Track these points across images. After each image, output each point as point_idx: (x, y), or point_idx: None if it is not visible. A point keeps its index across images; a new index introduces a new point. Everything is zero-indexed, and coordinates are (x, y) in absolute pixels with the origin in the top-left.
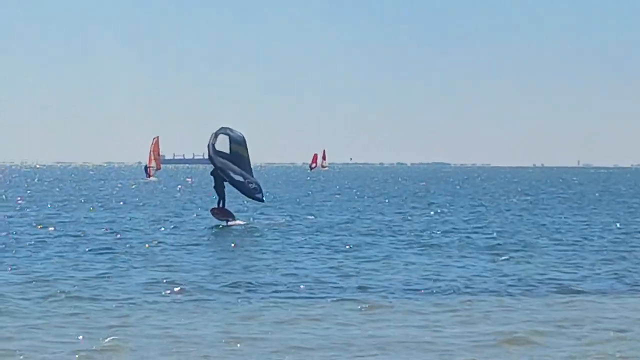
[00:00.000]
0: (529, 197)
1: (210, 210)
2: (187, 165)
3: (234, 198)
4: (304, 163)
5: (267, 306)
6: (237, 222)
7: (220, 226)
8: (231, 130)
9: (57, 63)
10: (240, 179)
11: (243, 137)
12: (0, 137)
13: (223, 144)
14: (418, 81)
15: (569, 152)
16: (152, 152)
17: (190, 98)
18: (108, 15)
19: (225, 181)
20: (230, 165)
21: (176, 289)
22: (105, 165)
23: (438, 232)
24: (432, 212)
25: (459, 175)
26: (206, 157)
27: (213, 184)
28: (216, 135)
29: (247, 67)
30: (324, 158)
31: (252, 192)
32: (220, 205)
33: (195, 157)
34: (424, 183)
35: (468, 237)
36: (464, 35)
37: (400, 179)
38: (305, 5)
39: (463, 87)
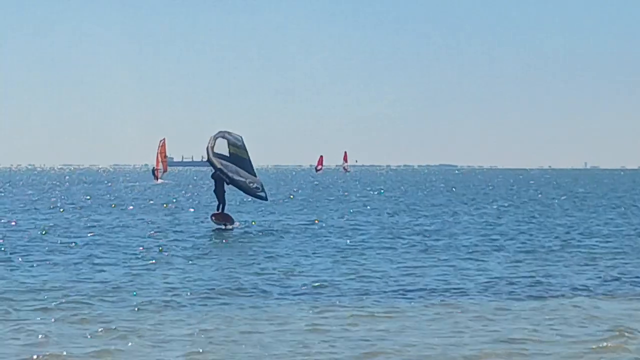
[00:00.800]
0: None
1: (211, 217)
2: (196, 167)
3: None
4: (310, 165)
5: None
6: (235, 224)
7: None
8: (229, 133)
9: (63, 65)
10: (241, 179)
11: (242, 140)
12: (6, 140)
13: (222, 147)
14: (424, 83)
15: (575, 154)
16: (159, 154)
17: (200, 100)
18: (116, 17)
19: (227, 183)
20: (230, 166)
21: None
22: (111, 168)
23: None
24: None
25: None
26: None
27: (213, 188)
28: (214, 138)
29: (254, 69)
30: (345, 160)
31: (254, 190)
32: (220, 209)
33: (204, 160)
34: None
35: None
36: (471, 36)
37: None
38: (312, 6)
39: (469, 89)
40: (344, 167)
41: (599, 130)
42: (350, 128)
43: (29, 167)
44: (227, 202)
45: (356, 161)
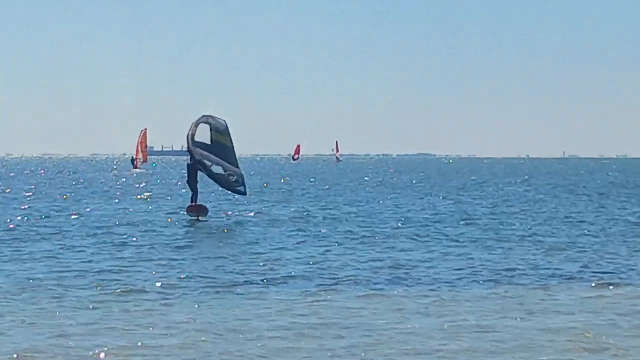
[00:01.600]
0: None
1: (186, 209)
2: (176, 157)
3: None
4: (288, 154)
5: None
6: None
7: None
8: (213, 118)
9: (43, 55)
10: (221, 170)
11: (226, 125)
12: None
13: (203, 134)
14: (402, 73)
15: (554, 143)
16: (139, 144)
17: (179, 89)
18: (98, 5)
19: (203, 172)
20: (210, 156)
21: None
22: (90, 157)
23: None
24: None
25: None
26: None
27: (186, 178)
28: (196, 124)
29: (234, 57)
30: (336, 150)
31: (233, 185)
32: (194, 200)
33: (184, 149)
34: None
35: None
36: (451, 26)
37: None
38: None
39: (447, 78)
40: (336, 157)
41: (578, 119)
42: (329, 117)
43: (7, 155)
44: (198, 191)
45: (332, 150)
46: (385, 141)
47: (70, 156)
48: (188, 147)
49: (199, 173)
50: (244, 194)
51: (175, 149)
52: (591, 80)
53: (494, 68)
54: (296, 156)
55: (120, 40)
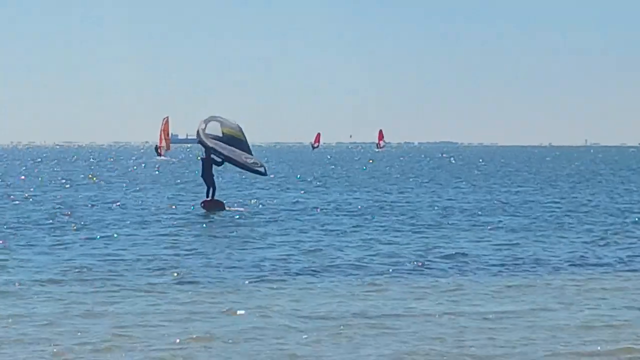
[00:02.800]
0: None
1: (201, 204)
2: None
3: None
4: (310, 142)
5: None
6: (234, 208)
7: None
8: (223, 118)
9: (63, 43)
10: (236, 154)
11: (238, 125)
12: (5, 118)
13: (214, 129)
14: (423, 61)
15: (575, 131)
16: (162, 132)
17: (203, 78)
18: None
19: (219, 163)
20: (223, 144)
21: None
22: (112, 145)
23: None
24: None
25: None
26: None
27: (201, 172)
28: (206, 121)
29: (255, 47)
30: (380, 138)
31: (252, 165)
32: (210, 195)
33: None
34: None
35: None
36: (470, 14)
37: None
38: None
39: (468, 66)
40: (377, 145)
41: (600, 107)
42: (350, 105)
43: (30, 144)
44: (217, 186)
45: (350, 136)
46: (406, 129)
47: (91, 144)
48: (199, 139)
49: (215, 169)
50: (265, 174)
51: None
52: (613, 68)
53: (516, 56)
54: (316, 144)
55: (142, 28)
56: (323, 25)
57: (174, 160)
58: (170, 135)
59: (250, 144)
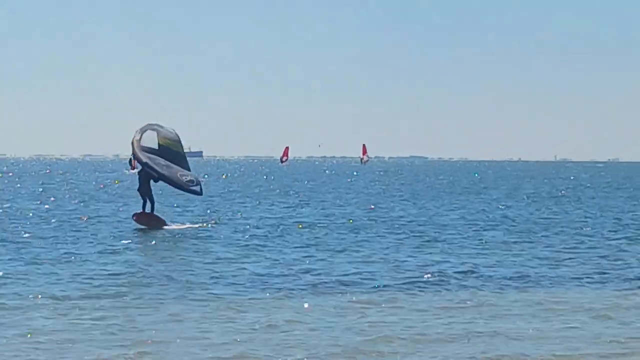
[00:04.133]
0: None
1: (133, 216)
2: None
3: None
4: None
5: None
6: (176, 226)
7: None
8: (160, 126)
9: (38, 54)
10: (172, 172)
11: (176, 134)
12: None
13: (150, 140)
14: (394, 75)
15: (545, 146)
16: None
17: (181, 90)
18: (95, 4)
19: (155, 179)
20: (158, 159)
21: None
22: (82, 157)
23: None
24: None
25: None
26: (194, 150)
27: (137, 187)
28: (142, 131)
29: (234, 54)
30: (364, 152)
31: (187, 184)
32: (147, 209)
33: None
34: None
35: None
36: (440, 28)
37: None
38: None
39: (439, 81)
40: (361, 159)
41: (568, 123)
42: (320, 118)
43: (1, 156)
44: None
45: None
46: (376, 143)
47: (63, 157)
48: (133, 151)
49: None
50: (200, 194)
51: None
52: (584, 82)
53: (485, 70)
54: (285, 158)
55: (115, 39)
56: (290, 35)
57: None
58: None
59: (220, 158)
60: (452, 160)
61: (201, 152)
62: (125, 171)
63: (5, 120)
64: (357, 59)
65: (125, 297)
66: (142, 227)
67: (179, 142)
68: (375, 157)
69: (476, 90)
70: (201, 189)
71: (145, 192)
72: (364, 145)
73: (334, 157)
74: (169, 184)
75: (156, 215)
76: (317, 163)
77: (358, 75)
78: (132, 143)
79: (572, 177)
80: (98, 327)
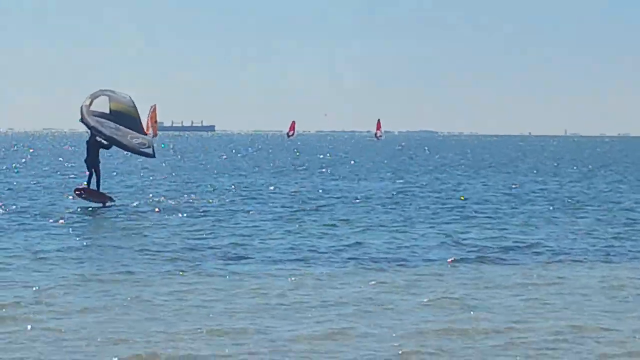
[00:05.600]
0: None
1: (75, 191)
2: (186, 132)
3: None
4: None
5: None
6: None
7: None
8: (112, 91)
9: (51, 27)
10: (120, 134)
11: (130, 98)
12: None
13: (101, 105)
14: (403, 49)
15: (556, 121)
16: (149, 119)
17: (190, 66)
18: None
19: (105, 144)
20: (107, 122)
21: None
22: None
23: None
24: None
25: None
26: (206, 124)
27: (85, 156)
28: (93, 97)
29: (243, 29)
30: (378, 128)
31: (138, 146)
32: (92, 183)
33: (194, 125)
34: None
35: None
36: (454, 3)
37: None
38: None
39: (449, 55)
40: (375, 134)
41: (579, 97)
42: (327, 93)
43: (9, 130)
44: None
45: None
46: (386, 118)
47: (71, 131)
48: (82, 117)
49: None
50: (152, 156)
51: (185, 124)
52: (595, 58)
53: (495, 44)
54: (291, 132)
55: (126, 12)
56: (302, 14)
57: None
58: (157, 122)
59: (229, 131)
60: (463, 135)
61: (213, 126)
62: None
63: (10, 95)
64: (365, 31)
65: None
66: (90, 201)
67: (134, 107)
68: (385, 131)
69: (486, 64)
70: (154, 151)
71: (92, 163)
72: (378, 120)
73: (343, 130)
74: (119, 147)
75: (103, 193)
76: (330, 138)
77: (366, 50)
78: (81, 108)
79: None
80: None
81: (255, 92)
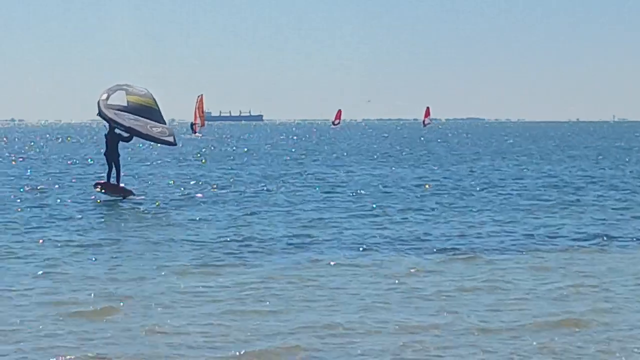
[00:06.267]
0: None
1: (95, 185)
2: (232, 122)
3: None
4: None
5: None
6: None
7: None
8: (129, 85)
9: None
10: (139, 123)
11: (148, 91)
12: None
13: (118, 99)
14: (448, 36)
15: (603, 106)
16: (197, 110)
17: (237, 57)
18: None
19: (125, 137)
20: (126, 115)
21: None
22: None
23: None
24: None
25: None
26: (254, 113)
27: (104, 150)
28: (109, 91)
29: (288, 18)
30: (426, 115)
31: (159, 135)
32: (112, 178)
33: (242, 114)
34: None
35: None
36: None
37: None
38: None
39: (497, 42)
40: (423, 122)
41: (627, 82)
42: (370, 80)
43: (18, 121)
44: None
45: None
46: (433, 105)
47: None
48: (99, 111)
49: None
50: (174, 144)
51: (233, 114)
52: None
53: (544, 31)
54: (337, 121)
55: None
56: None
57: (200, 135)
58: (204, 113)
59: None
60: (511, 122)
61: (261, 115)
62: (193, 135)
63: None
64: (414, 17)
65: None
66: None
67: (152, 98)
68: (432, 118)
69: (533, 50)
70: (175, 139)
71: (111, 157)
72: (427, 107)
73: (390, 119)
74: (139, 136)
75: (124, 187)
76: (368, 128)
77: (413, 38)
78: (98, 103)
79: None
80: None
81: (301, 80)
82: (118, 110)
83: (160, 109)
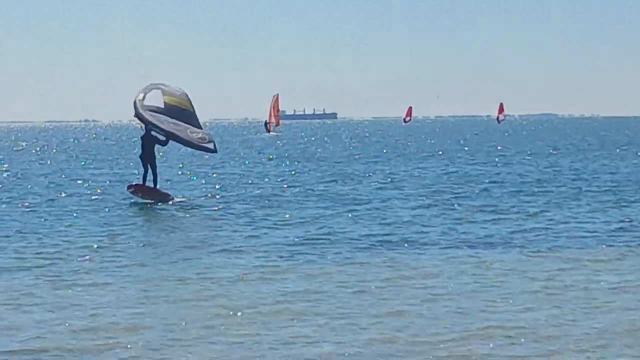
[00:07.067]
0: None
1: (129, 188)
2: (306, 120)
3: None
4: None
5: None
6: (178, 199)
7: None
8: (165, 85)
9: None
10: (179, 128)
11: (183, 92)
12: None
13: (155, 99)
14: (520, 32)
15: None
16: (272, 109)
17: (311, 57)
18: None
19: (163, 141)
20: (163, 117)
21: None
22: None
23: None
24: None
25: None
26: (328, 111)
27: (140, 152)
28: (145, 91)
29: (363, 18)
30: (500, 111)
31: (199, 141)
32: (152, 181)
33: (316, 113)
34: None
35: None
36: None
37: None
38: None
39: (567, 36)
40: (497, 118)
41: None
42: (443, 76)
43: (51, 122)
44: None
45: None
46: (505, 102)
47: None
48: (136, 112)
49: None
50: (214, 151)
51: (307, 112)
52: None
53: (614, 25)
54: (408, 118)
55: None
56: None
57: (275, 134)
58: (279, 112)
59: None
60: (584, 117)
61: (335, 114)
62: (263, 135)
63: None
64: (484, 14)
65: None
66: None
67: (188, 100)
68: (505, 115)
69: (607, 42)
70: (215, 146)
71: (148, 160)
72: (501, 104)
73: (463, 115)
74: (179, 142)
75: (161, 191)
76: (453, 122)
77: (485, 30)
78: (135, 103)
79: None
80: None
81: (374, 79)
82: (155, 112)
83: (195, 111)
